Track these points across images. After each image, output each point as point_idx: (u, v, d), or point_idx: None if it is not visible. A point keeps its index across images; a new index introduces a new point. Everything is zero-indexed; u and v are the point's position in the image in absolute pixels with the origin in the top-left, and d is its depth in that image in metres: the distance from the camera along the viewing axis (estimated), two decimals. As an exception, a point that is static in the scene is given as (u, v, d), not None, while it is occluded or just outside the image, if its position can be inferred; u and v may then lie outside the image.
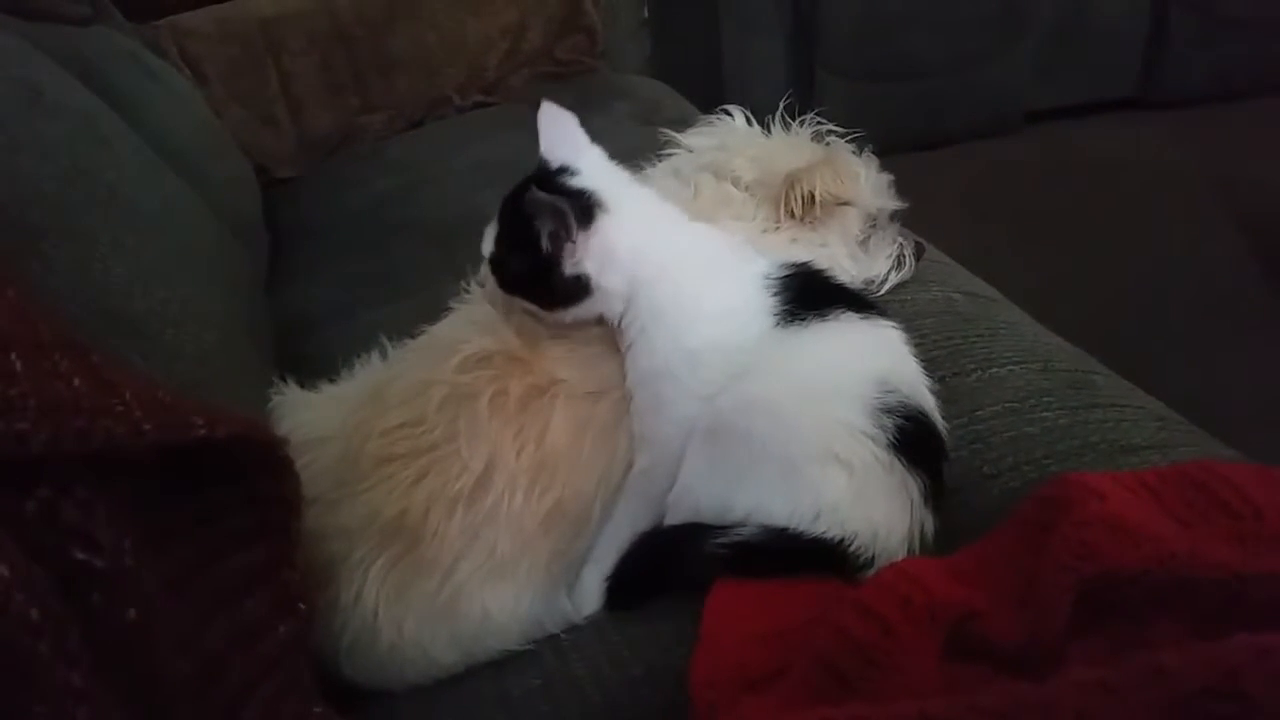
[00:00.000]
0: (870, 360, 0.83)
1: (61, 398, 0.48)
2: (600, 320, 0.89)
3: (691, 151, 1.20)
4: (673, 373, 0.84)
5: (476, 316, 0.94)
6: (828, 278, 0.93)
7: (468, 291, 1.01)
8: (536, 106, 0.91)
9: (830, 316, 0.84)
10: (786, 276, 0.87)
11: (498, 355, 0.86)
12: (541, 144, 0.90)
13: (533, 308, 0.88)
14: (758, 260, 0.90)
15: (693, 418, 0.83)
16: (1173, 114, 3.27)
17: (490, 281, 0.90)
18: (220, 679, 0.56)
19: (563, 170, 0.88)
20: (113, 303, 0.83)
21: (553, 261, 0.84)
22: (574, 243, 0.83)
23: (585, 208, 0.84)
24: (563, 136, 0.90)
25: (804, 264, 0.91)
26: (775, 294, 0.86)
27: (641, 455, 0.87)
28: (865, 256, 1.16)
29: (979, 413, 0.97)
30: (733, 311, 0.86)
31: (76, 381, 0.50)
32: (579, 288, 0.85)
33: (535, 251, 0.83)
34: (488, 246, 0.89)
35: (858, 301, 0.88)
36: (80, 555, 0.46)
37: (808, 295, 0.86)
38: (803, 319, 0.84)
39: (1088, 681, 0.48)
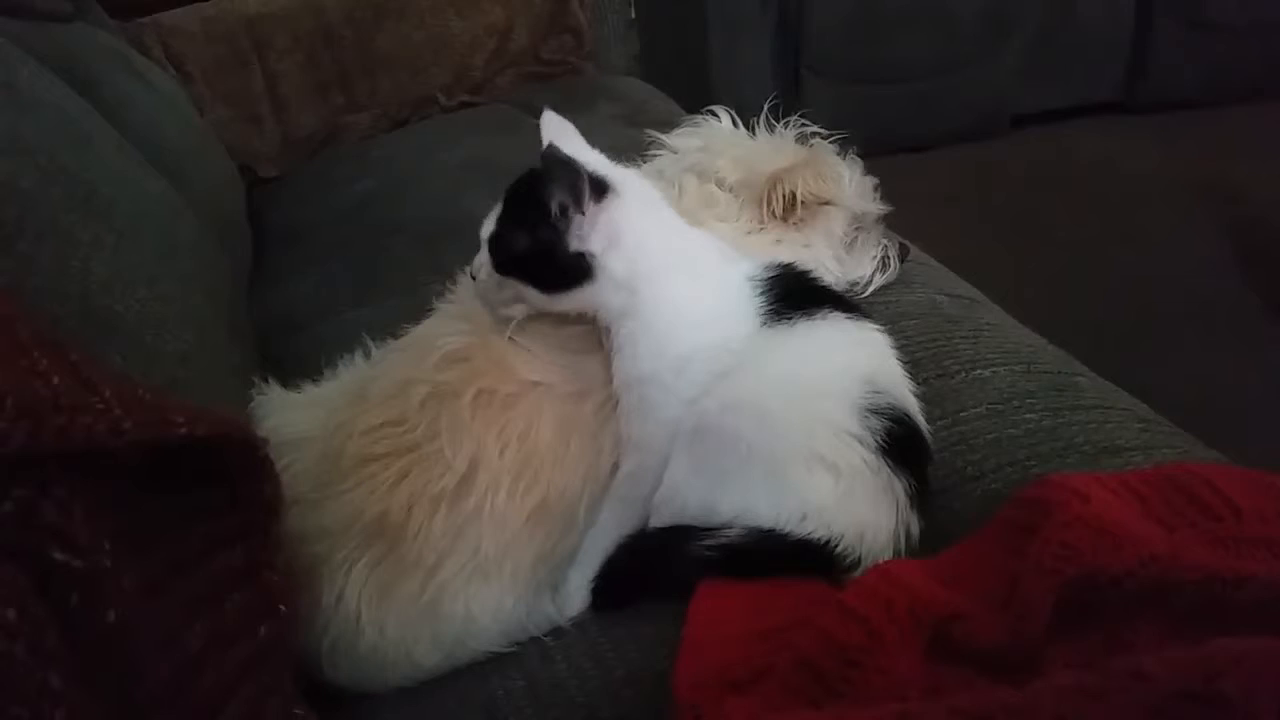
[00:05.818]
0: (857, 361, 0.83)
1: (40, 396, 0.47)
2: (589, 318, 0.87)
3: (676, 153, 1.20)
4: (660, 378, 0.83)
5: (460, 315, 0.94)
6: (814, 278, 0.93)
7: (452, 291, 1.00)
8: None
9: (817, 316, 0.84)
10: (772, 277, 0.87)
11: (480, 354, 0.86)
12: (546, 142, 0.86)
13: (527, 290, 0.85)
14: (743, 261, 0.90)
15: (679, 419, 0.83)
16: (1157, 118, 3.31)
17: (483, 271, 0.87)
18: (200, 680, 0.55)
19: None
20: (92, 302, 0.82)
21: (558, 235, 0.81)
22: (584, 214, 0.81)
23: (598, 182, 0.82)
24: (567, 138, 0.88)
25: (789, 264, 0.91)
26: (761, 294, 0.85)
27: (628, 458, 0.86)
28: (850, 258, 1.17)
29: (962, 414, 0.97)
30: (720, 315, 0.85)
31: (55, 380, 0.49)
32: (581, 268, 0.82)
33: (540, 224, 0.81)
34: (488, 228, 0.86)
35: (842, 303, 0.88)
36: (58, 555, 0.45)
37: (794, 295, 0.86)
38: (789, 319, 0.84)
39: (1068, 685, 0.49)
